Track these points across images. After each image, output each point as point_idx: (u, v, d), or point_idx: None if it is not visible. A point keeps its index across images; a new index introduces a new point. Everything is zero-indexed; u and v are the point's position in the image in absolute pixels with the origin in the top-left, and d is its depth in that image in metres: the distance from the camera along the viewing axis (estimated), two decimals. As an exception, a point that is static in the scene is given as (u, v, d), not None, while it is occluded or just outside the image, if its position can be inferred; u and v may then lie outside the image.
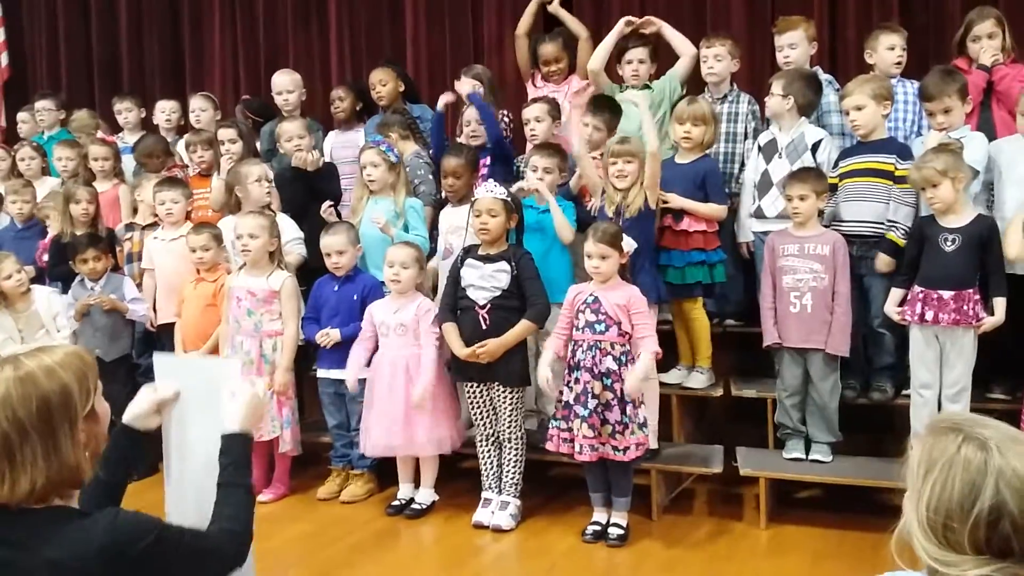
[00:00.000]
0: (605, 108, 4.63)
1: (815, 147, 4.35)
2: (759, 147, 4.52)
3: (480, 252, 4.10)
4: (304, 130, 5.16)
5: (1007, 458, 1.38)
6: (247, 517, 1.99)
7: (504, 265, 4.04)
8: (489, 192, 4.05)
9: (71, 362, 1.77)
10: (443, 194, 4.76)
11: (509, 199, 4.07)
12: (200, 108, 5.95)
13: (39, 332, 4.84)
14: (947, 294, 3.79)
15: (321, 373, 4.51)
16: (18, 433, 1.68)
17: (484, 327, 4.01)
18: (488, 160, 4.80)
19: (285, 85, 5.71)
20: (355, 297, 4.42)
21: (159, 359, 2.30)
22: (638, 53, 4.98)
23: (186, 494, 2.20)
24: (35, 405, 1.69)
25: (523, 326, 4.01)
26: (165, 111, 6.22)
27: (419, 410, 4.11)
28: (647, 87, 4.94)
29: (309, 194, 4.94)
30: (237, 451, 2.07)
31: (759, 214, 4.44)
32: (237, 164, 4.99)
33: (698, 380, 4.49)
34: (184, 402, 2.20)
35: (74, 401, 1.74)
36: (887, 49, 4.62)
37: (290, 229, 4.83)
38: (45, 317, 4.86)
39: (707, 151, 4.46)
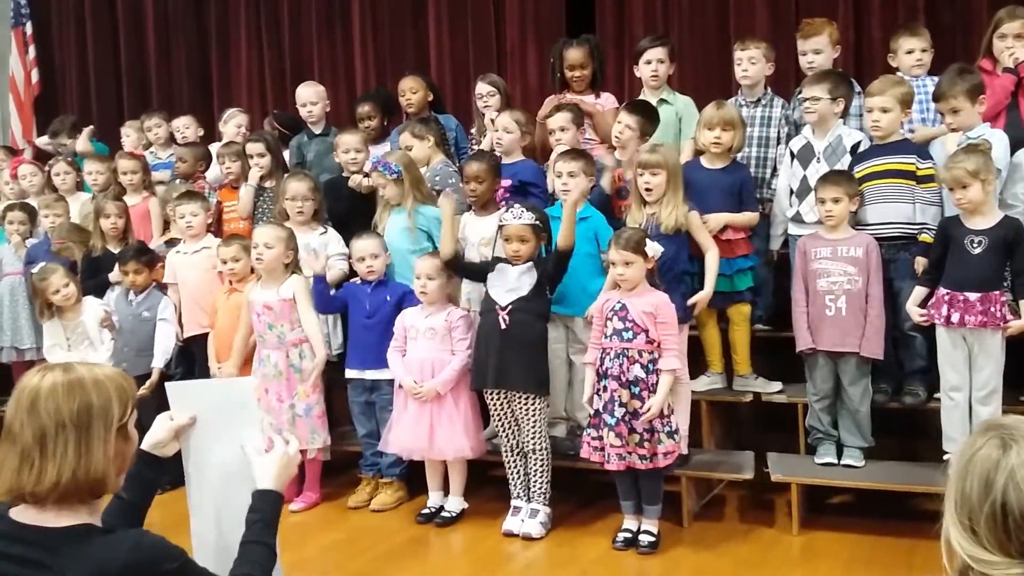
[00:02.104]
0: (641, 111, 4.60)
1: (854, 149, 4.31)
2: (792, 153, 4.47)
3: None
4: (362, 144, 5.14)
5: (1022, 456, 1.38)
6: (265, 573, 1.98)
7: (531, 268, 4.04)
8: (518, 219, 4.03)
9: (117, 380, 1.84)
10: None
11: (538, 222, 4.04)
12: (238, 124, 6.05)
13: (84, 343, 4.92)
14: (973, 296, 3.75)
15: (351, 374, 4.50)
16: (55, 425, 1.74)
17: (503, 327, 4.01)
18: (508, 184, 4.71)
19: (309, 97, 5.75)
20: (388, 298, 4.45)
21: (171, 387, 2.27)
22: (657, 53, 4.95)
23: (208, 518, 2.20)
24: (77, 405, 1.76)
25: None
26: (179, 128, 6.31)
27: (420, 399, 4.16)
28: (664, 102, 4.93)
29: (349, 208, 4.96)
30: (267, 509, 2.04)
31: (797, 219, 4.39)
32: (285, 179, 5.01)
33: (770, 384, 4.48)
34: (201, 427, 2.18)
35: (112, 412, 1.80)
36: (906, 53, 4.59)
37: (335, 244, 4.84)
38: (91, 329, 4.95)
39: (735, 155, 4.45)
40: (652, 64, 4.94)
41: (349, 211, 4.95)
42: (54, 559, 1.70)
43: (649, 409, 3.71)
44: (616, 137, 4.55)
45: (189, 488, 2.26)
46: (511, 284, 4.04)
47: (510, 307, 4.02)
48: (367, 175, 4.90)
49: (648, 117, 4.59)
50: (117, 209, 5.31)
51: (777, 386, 4.47)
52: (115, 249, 5.25)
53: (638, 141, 4.51)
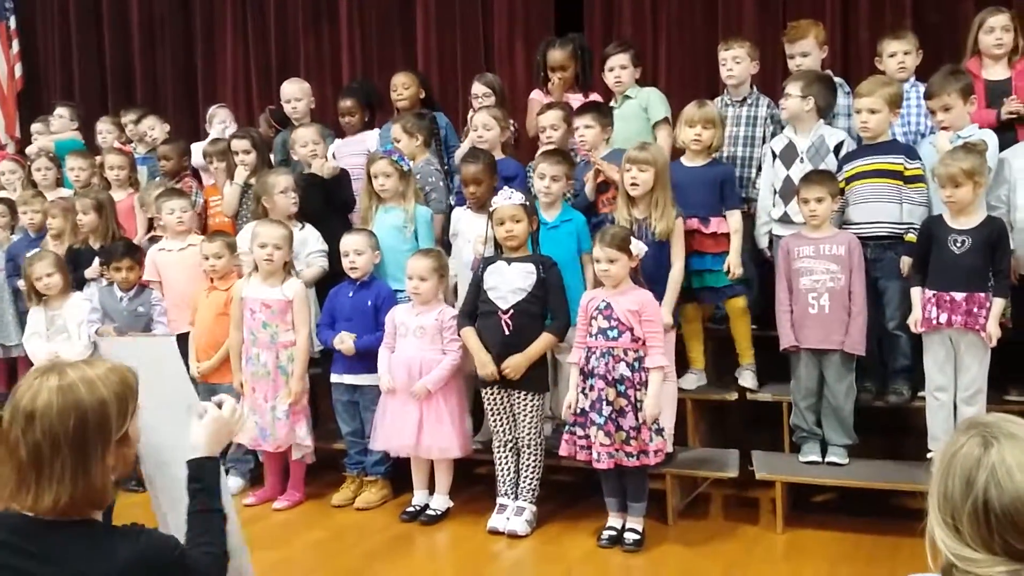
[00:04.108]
0: (590, 108, 4.64)
1: (837, 149, 4.32)
2: (774, 152, 4.48)
3: (504, 255, 4.10)
4: (319, 136, 5.14)
5: (1002, 453, 1.38)
6: (223, 540, 1.98)
7: (531, 267, 4.04)
8: (508, 199, 4.05)
9: (112, 380, 1.78)
10: (458, 201, 4.75)
11: (527, 203, 4.08)
12: (221, 120, 6.03)
13: (63, 335, 4.87)
14: (959, 296, 3.77)
15: (335, 378, 4.52)
16: (51, 446, 1.70)
17: (507, 332, 4.00)
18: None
19: (293, 93, 5.72)
20: (369, 303, 4.44)
21: (102, 343, 2.23)
22: (619, 59, 4.96)
23: (157, 483, 2.16)
24: (72, 422, 1.71)
25: (545, 339, 4.01)
26: (145, 131, 6.24)
27: (414, 396, 4.16)
28: (628, 97, 4.94)
29: (323, 202, 4.95)
30: (206, 476, 2.02)
31: (785, 219, 4.38)
32: (265, 173, 4.98)
33: (752, 379, 4.49)
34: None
35: (110, 423, 1.75)
36: (889, 57, 4.62)
37: (313, 241, 4.82)
38: (71, 322, 4.90)
39: (715, 154, 4.46)
40: (615, 71, 4.96)
41: (322, 207, 4.93)
42: (61, 553, 1.70)
43: (646, 411, 3.71)
44: (581, 140, 4.55)
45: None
46: (512, 284, 4.03)
47: (512, 310, 4.01)
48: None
49: (599, 111, 4.61)
50: (90, 205, 5.22)
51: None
52: (95, 245, 5.21)
53: (601, 135, 4.52)
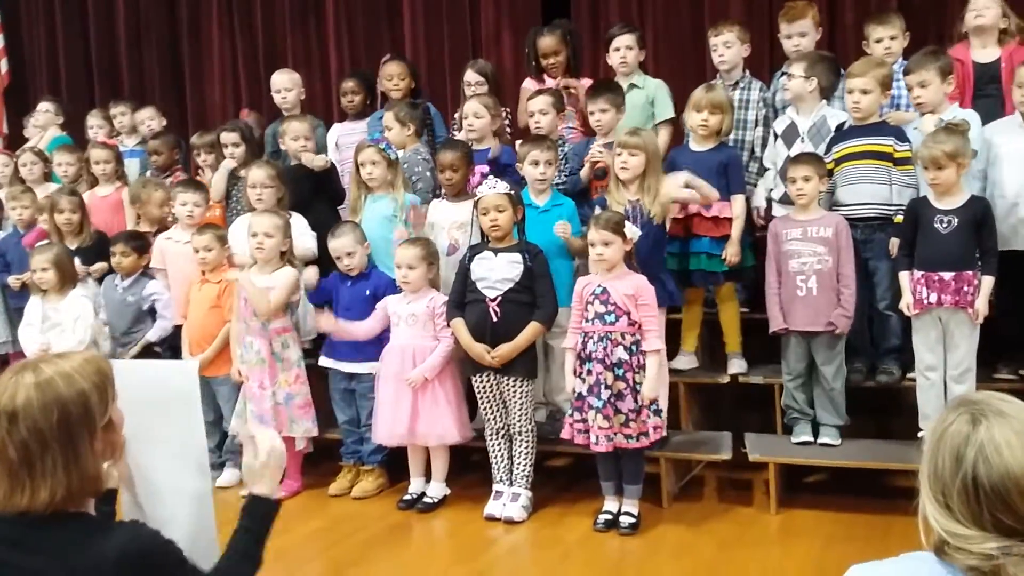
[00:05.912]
0: (604, 90, 4.62)
1: (839, 129, 4.33)
2: (775, 133, 4.51)
3: (491, 245, 4.12)
4: (310, 131, 5.12)
5: (991, 430, 1.40)
6: None
7: (517, 257, 4.05)
8: (492, 189, 4.07)
9: (89, 369, 1.78)
10: (441, 190, 4.76)
11: (512, 192, 4.09)
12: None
13: (56, 328, 4.85)
14: (947, 275, 3.80)
15: (330, 363, 4.50)
16: (38, 443, 1.70)
17: (494, 319, 4.02)
18: (486, 169, 4.69)
19: (284, 84, 5.70)
20: (368, 292, 4.44)
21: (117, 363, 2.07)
22: (625, 40, 4.97)
23: (143, 502, 2.10)
24: (56, 416, 1.71)
25: (533, 328, 4.03)
26: (143, 120, 6.25)
27: (410, 385, 4.17)
28: (634, 87, 4.93)
29: (312, 193, 4.95)
30: (261, 519, 1.98)
31: (786, 200, 4.36)
32: (250, 166, 4.95)
33: (741, 365, 4.52)
34: (138, 409, 1.99)
35: (93, 410, 1.75)
36: (875, 42, 4.65)
37: (299, 226, 4.79)
38: (66, 317, 4.85)
39: (724, 139, 4.47)
40: (621, 51, 4.97)
41: (309, 198, 4.92)
42: (48, 544, 1.70)
43: (644, 393, 3.75)
44: (597, 125, 4.56)
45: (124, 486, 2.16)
46: (499, 273, 4.04)
47: (499, 298, 4.03)
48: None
49: (612, 91, 4.60)
50: (71, 204, 5.20)
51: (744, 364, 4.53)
52: (72, 245, 5.16)
53: (616, 116, 4.52)
